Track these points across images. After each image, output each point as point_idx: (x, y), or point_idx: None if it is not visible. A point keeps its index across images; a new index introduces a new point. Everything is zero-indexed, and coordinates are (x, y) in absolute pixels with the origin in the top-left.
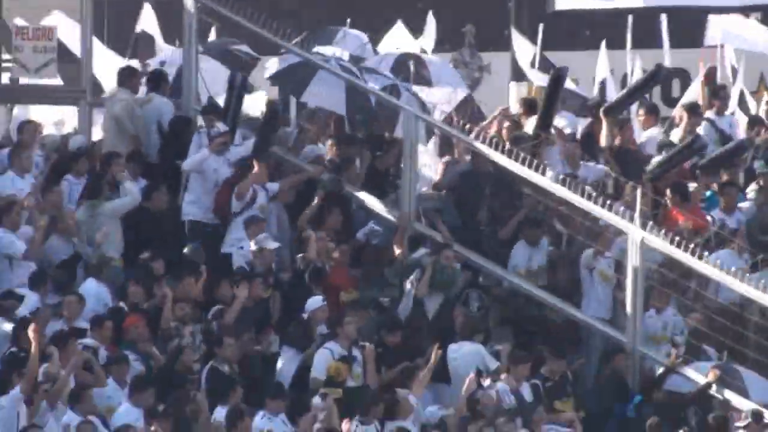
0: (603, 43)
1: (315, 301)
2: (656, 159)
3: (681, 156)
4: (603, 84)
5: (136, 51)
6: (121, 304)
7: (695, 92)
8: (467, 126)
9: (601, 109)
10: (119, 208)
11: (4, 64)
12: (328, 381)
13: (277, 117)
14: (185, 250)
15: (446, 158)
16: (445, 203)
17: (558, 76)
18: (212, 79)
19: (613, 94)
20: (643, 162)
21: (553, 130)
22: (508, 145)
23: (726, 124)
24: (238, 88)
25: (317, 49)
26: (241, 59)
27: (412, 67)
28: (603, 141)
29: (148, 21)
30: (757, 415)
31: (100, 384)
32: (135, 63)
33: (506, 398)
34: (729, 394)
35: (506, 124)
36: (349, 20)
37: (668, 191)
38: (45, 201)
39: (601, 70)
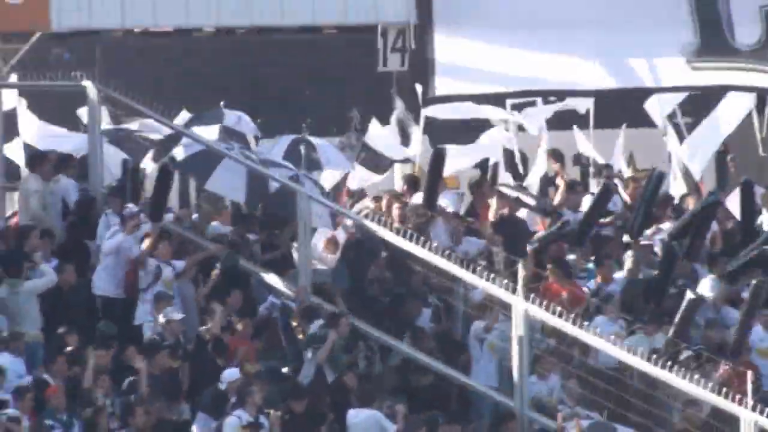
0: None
1: (232, 373)
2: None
3: (553, 237)
4: (495, 166)
5: None
6: (45, 376)
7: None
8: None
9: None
10: (38, 288)
11: None
12: None
13: (170, 177)
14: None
15: (330, 235)
16: (337, 272)
17: (438, 155)
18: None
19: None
20: (526, 234)
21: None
22: (396, 224)
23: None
24: (131, 171)
25: (207, 128)
26: (139, 144)
27: (303, 151)
28: (491, 216)
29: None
30: None
31: None
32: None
33: None
34: None
35: (396, 205)
36: (222, 103)
37: (549, 265)
38: None
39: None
